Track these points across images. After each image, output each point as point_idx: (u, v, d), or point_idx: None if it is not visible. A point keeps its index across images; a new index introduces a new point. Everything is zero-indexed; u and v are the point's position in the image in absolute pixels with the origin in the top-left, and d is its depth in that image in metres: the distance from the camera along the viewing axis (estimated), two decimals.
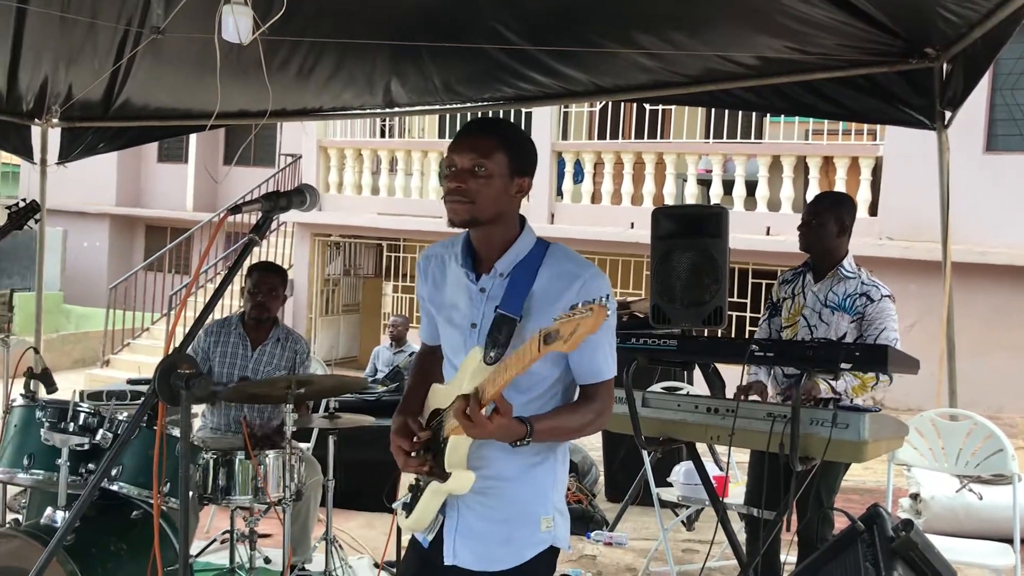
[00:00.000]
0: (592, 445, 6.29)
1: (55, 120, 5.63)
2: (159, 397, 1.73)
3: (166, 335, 11.92)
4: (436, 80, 4.87)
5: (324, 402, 4.36)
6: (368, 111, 5.74)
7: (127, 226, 17.10)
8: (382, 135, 13.10)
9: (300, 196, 2.01)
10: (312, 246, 13.04)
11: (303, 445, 4.02)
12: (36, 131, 5.86)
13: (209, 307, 1.89)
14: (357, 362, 13.45)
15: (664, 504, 4.39)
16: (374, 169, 12.72)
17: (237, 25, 2.29)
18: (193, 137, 14.81)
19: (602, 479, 6.09)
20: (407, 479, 2.18)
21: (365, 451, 4.37)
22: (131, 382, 5.23)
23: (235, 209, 2.08)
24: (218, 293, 1.89)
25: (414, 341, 9.65)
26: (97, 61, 4.64)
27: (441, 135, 12.70)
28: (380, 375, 8.08)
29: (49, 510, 3.07)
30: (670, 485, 4.32)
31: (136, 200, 16.95)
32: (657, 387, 4.36)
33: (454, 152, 2.04)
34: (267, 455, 3.43)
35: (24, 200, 4.33)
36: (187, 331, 1.95)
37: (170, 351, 1.77)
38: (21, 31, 4.24)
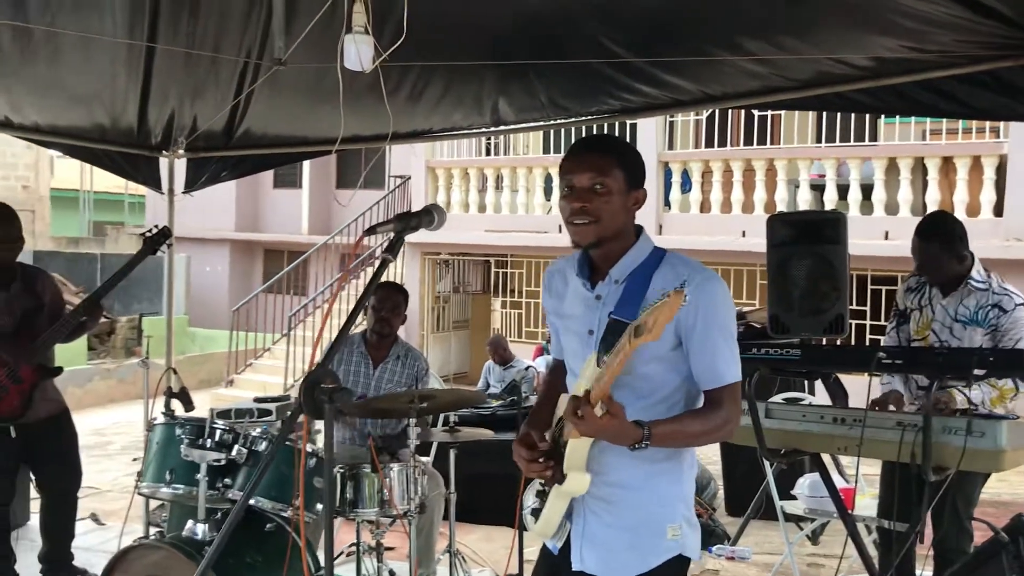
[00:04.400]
0: (710, 459, 6.20)
1: (181, 151, 5.89)
2: (304, 411, 1.81)
3: (286, 355, 12.34)
4: (542, 96, 4.91)
5: (442, 416, 4.44)
6: (476, 130, 5.83)
7: (246, 250, 17.79)
8: (487, 153, 13.28)
9: (429, 216, 2.09)
10: (422, 264, 13.29)
11: (425, 459, 4.10)
12: (164, 162, 6.15)
13: (348, 324, 1.97)
14: (468, 377, 13.61)
15: (788, 518, 4.29)
16: (480, 187, 12.90)
17: (359, 53, 2.38)
18: (307, 163, 15.31)
19: (721, 493, 5.99)
20: (535, 487, 2.22)
21: (483, 465, 4.43)
22: (257, 400, 5.42)
23: (370, 230, 2.16)
24: (356, 310, 1.97)
25: (523, 355, 9.73)
26: (219, 93, 4.85)
27: (546, 151, 12.78)
28: (493, 390, 8.16)
29: (190, 523, 3.23)
30: (794, 498, 4.23)
31: (254, 225, 17.60)
32: (778, 398, 4.28)
33: (571, 172, 2.05)
34: (392, 468, 3.52)
35: (156, 227, 4.55)
36: (326, 348, 2.03)
37: (313, 366, 1.85)
38: (150, 69, 4.46)
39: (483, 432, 4.00)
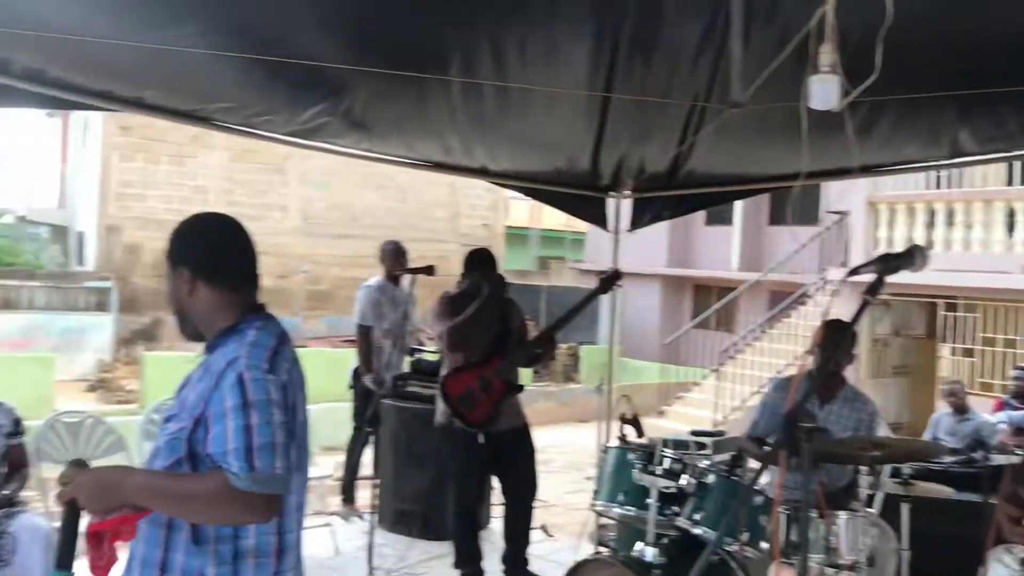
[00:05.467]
0: None
1: (627, 192, 6.23)
2: (783, 446, 1.85)
3: (715, 391, 12.43)
4: (1013, 125, 4.45)
5: (888, 467, 4.18)
6: (931, 164, 5.44)
7: (677, 286, 18.26)
8: (938, 186, 12.27)
9: (911, 257, 2.03)
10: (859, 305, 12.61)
11: (872, 510, 3.89)
12: (610, 202, 6.55)
13: (821, 371, 1.97)
14: (906, 428, 12.62)
15: None
16: (928, 223, 11.94)
17: (827, 93, 2.37)
18: (739, 201, 15.37)
19: None
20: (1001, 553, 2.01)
21: (937, 523, 4.08)
22: (694, 433, 5.53)
23: (853, 272, 2.15)
24: (827, 360, 1.96)
25: (979, 409, 8.77)
26: (666, 136, 5.06)
27: (1009, 182, 11.50)
28: (943, 444, 7.46)
29: (639, 545, 3.39)
30: None
31: (685, 261, 18.02)
32: None
33: None
34: (839, 516, 3.39)
35: (610, 269, 4.90)
36: (799, 389, 2.04)
37: (793, 405, 1.88)
38: (605, 116, 4.79)
39: (941, 489, 3.70)
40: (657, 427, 11.95)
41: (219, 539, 1.93)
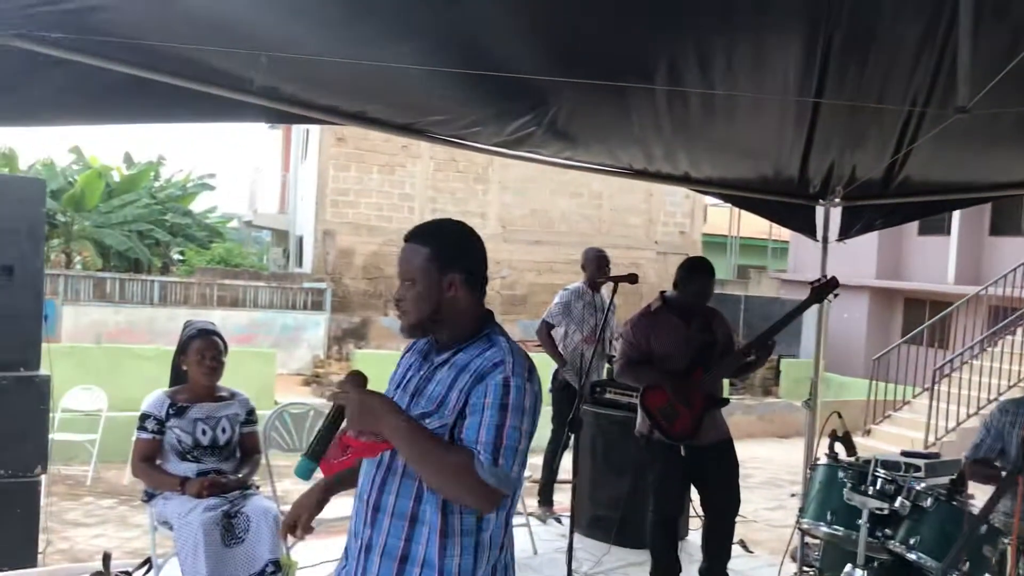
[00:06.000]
0: None
1: (837, 200, 5.99)
2: (1020, 472, 1.75)
3: (928, 410, 11.70)
4: None
5: None
6: None
7: (886, 298, 17.33)
8: None
9: None
10: None
11: None
12: (819, 210, 6.32)
13: None
14: None
15: None
16: None
17: None
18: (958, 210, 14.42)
19: None
20: None
21: None
22: (905, 454, 5.25)
23: None
24: None
25: None
26: (880, 142, 4.84)
27: None
28: None
29: (848, 567, 3.27)
30: None
31: (895, 273, 17.09)
32: None
33: None
34: None
35: (825, 276, 4.73)
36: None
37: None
38: (815, 122, 4.64)
39: None
40: (864, 446, 11.34)
41: (464, 532, 2.08)
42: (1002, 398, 8.41)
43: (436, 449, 2.01)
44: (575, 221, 20.18)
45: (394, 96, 4.26)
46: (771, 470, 9.67)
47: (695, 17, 3.36)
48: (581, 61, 3.79)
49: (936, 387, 11.94)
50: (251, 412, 4.26)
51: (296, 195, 24.51)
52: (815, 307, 5.16)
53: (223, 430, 4.13)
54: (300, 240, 23.10)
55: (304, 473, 2.06)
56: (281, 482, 4.62)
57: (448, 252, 2.18)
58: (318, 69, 3.70)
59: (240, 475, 4.12)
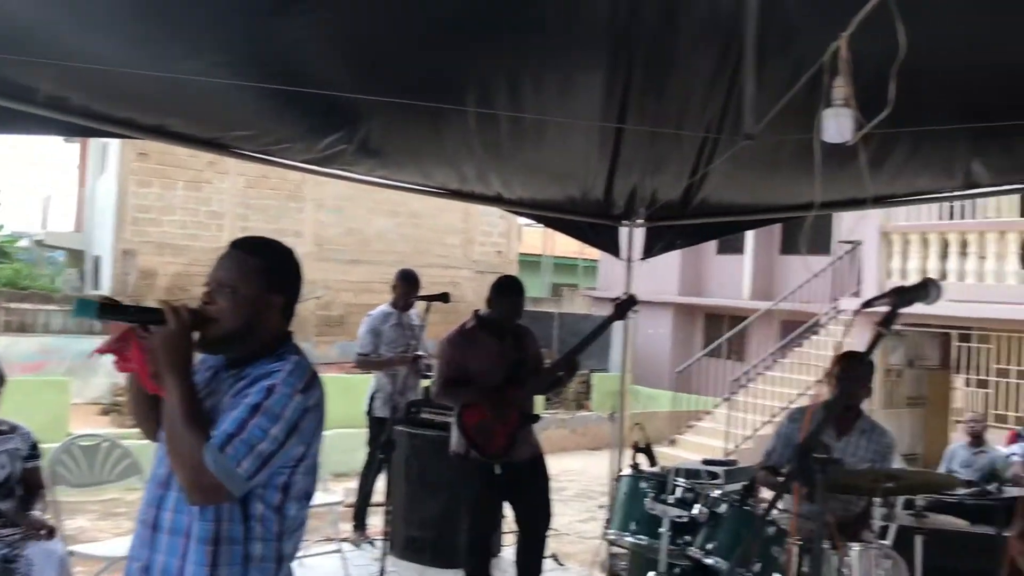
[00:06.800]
0: None
1: (640, 221, 6.26)
2: (796, 478, 1.86)
3: (726, 419, 12.39)
4: None
5: (903, 499, 4.17)
6: (944, 195, 5.46)
7: (688, 314, 18.24)
8: (951, 216, 12.28)
9: (924, 290, 2.06)
10: (872, 336, 12.58)
11: (885, 542, 3.88)
12: (623, 231, 6.58)
13: (838, 402, 1.99)
14: (921, 459, 12.53)
15: None
16: (942, 253, 11.93)
17: (840, 127, 2.41)
18: (751, 230, 15.40)
19: None
20: None
21: (950, 557, 4.06)
22: (706, 462, 5.52)
23: (867, 304, 2.18)
24: (844, 391, 1.99)
25: (993, 441, 8.72)
26: (679, 167, 5.09)
27: (1023, 213, 11.50)
28: (956, 476, 7.42)
29: (651, 574, 3.39)
30: None
31: (696, 290, 18.02)
32: None
33: None
34: (852, 547, 3.38)
35: (625, 294, 4.91)
36: (814, 420, 2.06)
37: (807, 435, 1.89)
38: (619, 147, 4.84)
39: (956, 521, 3.69)
40: (669, 456, 11.91)
41: (234, 543, 2.01)
42: (792, 406, 9.02)
43: (188, 420, 1.94)
44: (393, 240, 20.06)
45: (196, 109, 4.09)
46: (584, 482, 9.92)
47: (505, 40, 3.42)
48: (392, 80, 3.77)
49: (733, 397, 12.67)
50: (34, 446, 3.94)
51: (93, 213, 23.07)
52: (626, 323, 5.37)
53: (1, 466, 3.80)
54: (97, 260, 21.73)
55: (81, 310, 1.93)
56: (74, 519, 4.30)
57: (279, 272, 2.15)
58: (113, 80, 3.49)
59: (28, 516, 3.81)
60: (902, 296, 2.03)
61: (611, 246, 6.72)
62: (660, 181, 5.48)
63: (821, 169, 2.68)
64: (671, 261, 17.03)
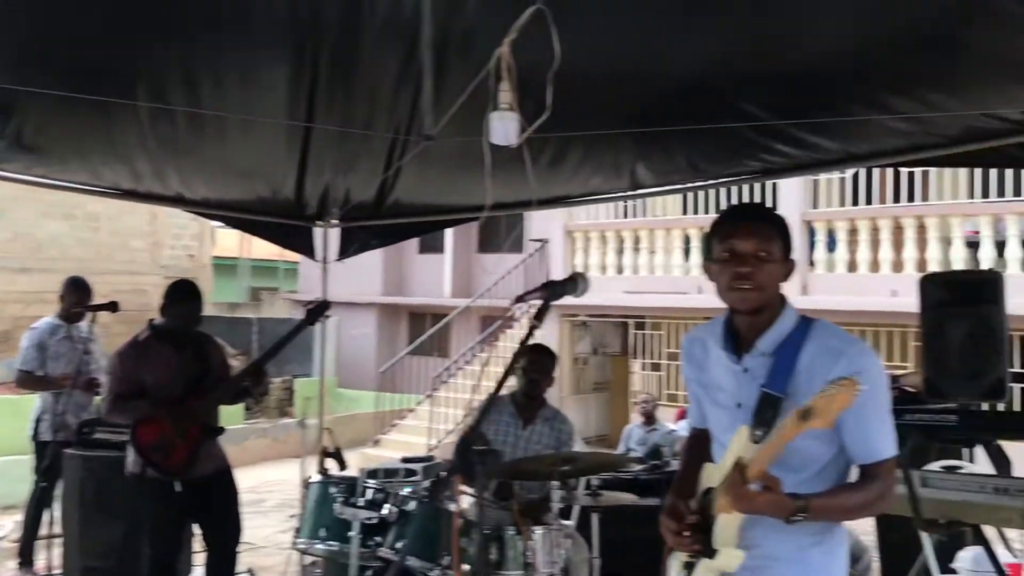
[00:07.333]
0: (864, 530, 5.92)
1: (334, 221, 6.20)
2: (457, 472, 1.90)
3: (429, 416, 12.61)
4: (681, 160, 4.93)
5: (584, 480, 4.45)
6: (615, 195, 5.90)
7: (392, 313, 18.37)
8: (625, 215, 13.35)
9: (572, 284, 2.19)
10: (561, 326, 13.38)
11: (568, 522, 4.12)
12: (318, 232, 6.48)
13: (499, 388, 2.06)
14: (607, 440, 13.52)
15: None
16: (618, 249, 12.95)
17: (506, 130, 2.50)
18: (450, 229, 15.79)
19: (876, 565, 5.70)
20: (678, 558, 2.20)
21: (626, 529, 4.39)
22: (405, 460, 5.57)
23: (519, 299, 2.26)
24: (507, 375, 2.06)
25: (664, 419, 9.60)
26: (371, 167, 5.10)
27: (684, 211, 12.75)
28: (633, 454, 8.08)
29: None
30: (954, 572, 4.00)
31: (399, 289, 18.19)
32: (935, 465, 4.08)
33: (734, 238, 2.06)
34: (535, 531, 3.55)
35: (317, 300, 4.83)
36: (477, 411, 2.12)
37: (467, 429, 1.94)
38: (308, 146, 4.75)
39: (626, 496, 4.00)
40: (374, 456, 11.93)
41: None
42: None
43: None
44: (68, 246, 18.34)
45: None
46: (285, 492, 9.65)
47: (177, 27, 3.21)
48: (49, 69, 3.43)
49: (436, 393, 12.94)
50: None
51: None
52: (323, 327, 5.27)
53: None
54: None
55: None
56: None
57: None
58: None
59: None
60: (552, 290, 2.15)
61: (306, 247, 6.60)
62: (353, 181, 5.45)
63: (499, 170, 2.77)
64: (374, 261, 17.07)
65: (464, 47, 3.41)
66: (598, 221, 13.16)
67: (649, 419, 8.60)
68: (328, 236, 6.44)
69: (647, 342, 13.23)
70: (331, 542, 3.46)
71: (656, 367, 13.10)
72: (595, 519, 3.93)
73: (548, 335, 13.34)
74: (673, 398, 12.57)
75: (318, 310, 4.76)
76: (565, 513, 4.59)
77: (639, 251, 12.56)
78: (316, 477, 3.70)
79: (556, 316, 13.30)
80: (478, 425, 1.97)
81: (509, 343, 13.78)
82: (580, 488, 4.47)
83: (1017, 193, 10.03)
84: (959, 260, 9.87)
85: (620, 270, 12.85)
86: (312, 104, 4.01)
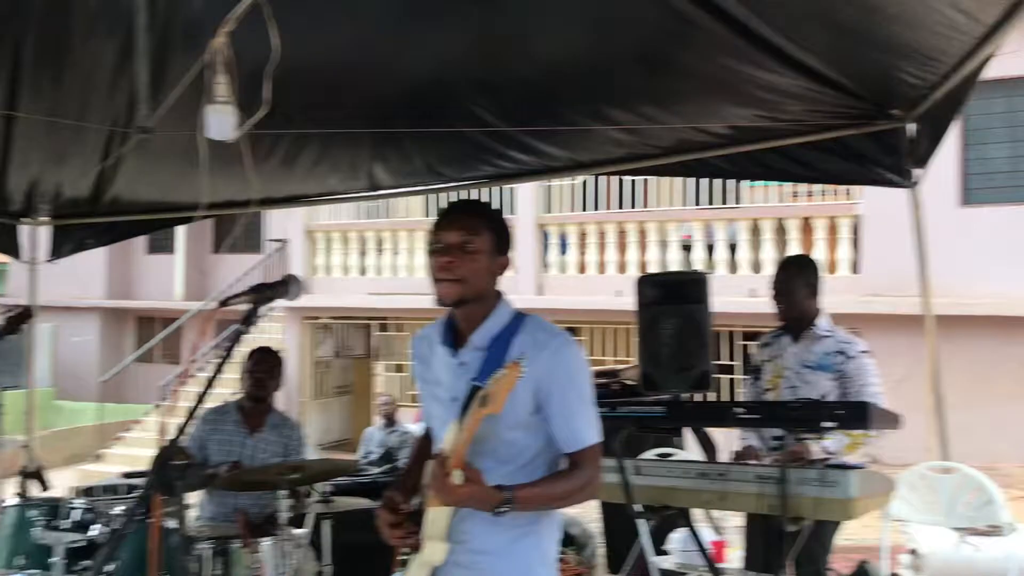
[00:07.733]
0: (591, 516, 6.25)
1: (44, 218, 5.68)
2: (156, 489, 1.77)
3: (159, 426, 11.88)
4: (418, 162, 4.98)
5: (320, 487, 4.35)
6: (353, 195, 5.84)
7: (118, 318, 17.13)
8: (368, 216, 13.29)
9: (284, 287, 2.10)
10: (302, 329, 13.08)
11: (300, 531, 4.01)
12: (25, 229, 5.91)
13: (204, 396, 1.94)
14: (351, 444, 13.38)
15: (663, 574, 4.36)
16: (361, 250, 12.86)
17: (221, 124, 2.39)
18: (182, 228, 14.98)
19: (602, 551, 6.04)
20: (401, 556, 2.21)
21: (362, 534, 4.33)
22: (126, 475, 5.20)
23: (224, 302, 2.15)
24: (211, 382, 1.95)
25: (405, 420, 9.64)
26: (85, 160, 4.73)
27: (426, 214, 12.89)
28: (372, 456, 8.05)
29: None
30: (667, 553, 4.30)
31: (126, 292, 17.01)
32: (650, 453, 4.37)
33: (442, 230, 2.10)
34: (262, 543, 3.42)
35: (18, 306, 4.40)
36: (182, 422, 1.99)
37: (165, 442, 1.82)
38: (10, 135, 4.33)
39: (358, 501, 3.95)
40: (94, 473, 11.06)
41: None
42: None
43: None
44: None
45: None
46: None
47: None
48: None
49: (166, 403, 12.22)
50: None
51: None
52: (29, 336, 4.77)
53: None
54: None
55: None
56: None
57: None
58: None
59: None
60: (262, 293, 2.07)
61: (10, 246, 6.05)
62: (66, 175, 5.05)
63: (212, 167, 2.65)
64: (96, 262, 15.87)
65: (187, 38, 3.24)
66: (340, 221, 13.00)
67: (390, 421, 8.60)
68: (37, 234, 5.90)
69: (391, 344, 13.23)
70: (31, 570, 3.14)
71: (400, 368, 13.13)
72: (326, 526, 3.85)
73: (288, 338, 13.00)
74: (416, 399, 12.67)
75: (19, 318, 4.32)
76: (297, 522, 4.47)
77: (383, 252, 12.54)
78: (12, 500, 3.35)
79: (297, 319, 12.99)
80: (177, 439, 1.85)
81: (246, 347, 13.26)
82: (313, 495, 4.37)
83: (725, 201, 11.03)
84: (675, 262, 10.71)
85: (363, 271, 12.76)
86: (16, 92, 3.67)
